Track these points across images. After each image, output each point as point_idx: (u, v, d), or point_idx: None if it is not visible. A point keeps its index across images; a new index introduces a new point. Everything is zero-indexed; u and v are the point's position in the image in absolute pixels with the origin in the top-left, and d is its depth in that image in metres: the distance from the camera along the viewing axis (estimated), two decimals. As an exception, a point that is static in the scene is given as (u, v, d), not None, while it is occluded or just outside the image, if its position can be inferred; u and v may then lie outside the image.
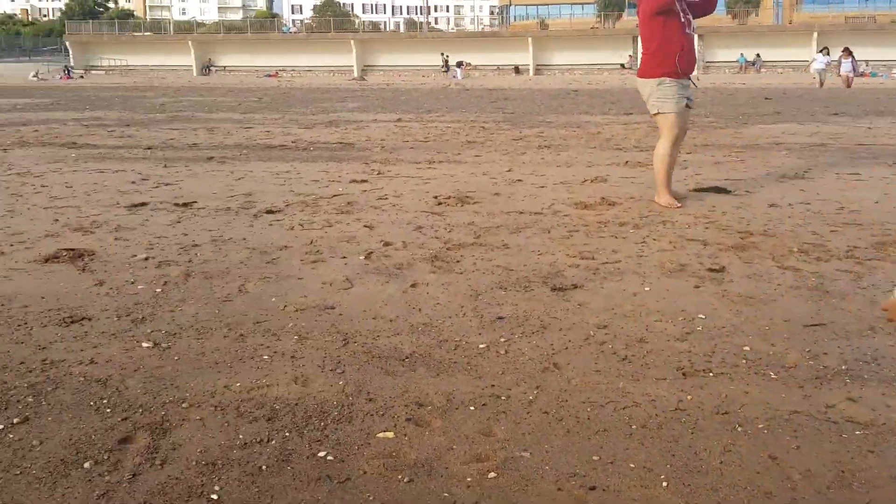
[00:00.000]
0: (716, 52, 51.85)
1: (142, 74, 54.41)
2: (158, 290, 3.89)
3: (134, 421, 2.50)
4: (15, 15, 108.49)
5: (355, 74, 54.39)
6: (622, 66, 53.69)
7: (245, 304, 3.67)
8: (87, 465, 2.23)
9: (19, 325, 3.38)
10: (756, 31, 56.09)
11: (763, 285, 3.93)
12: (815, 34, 50.81)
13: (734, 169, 7.99)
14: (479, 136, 11.85)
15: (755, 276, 4.10)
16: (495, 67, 55.63)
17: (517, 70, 55.12)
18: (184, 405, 2.61)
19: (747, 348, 3.09)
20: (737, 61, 52.59)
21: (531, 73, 54.77)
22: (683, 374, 2.84)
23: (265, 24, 71.07)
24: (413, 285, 3.95)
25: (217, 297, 3.78)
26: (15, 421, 2.49)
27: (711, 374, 2.84)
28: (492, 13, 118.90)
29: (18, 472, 2.19)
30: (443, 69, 54.99)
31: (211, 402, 2.64)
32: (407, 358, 3.02)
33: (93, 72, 56.75)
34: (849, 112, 16.01)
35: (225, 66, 59.10)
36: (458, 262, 4.39)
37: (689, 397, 2.65)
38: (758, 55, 52.48)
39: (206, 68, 58.49)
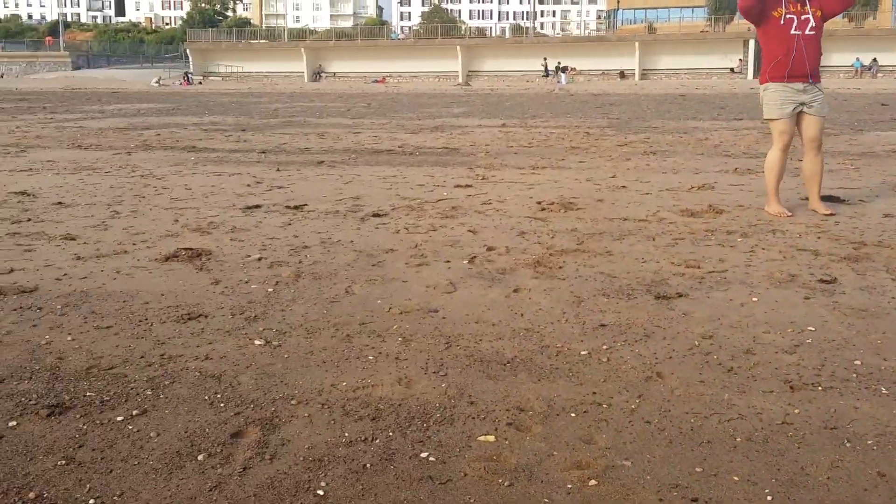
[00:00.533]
0: (830, 55, 49.84)
1: (256, 80, 56.12)
2: (270, 289, 4.03)
3: (246, 416, 2.60)
4: (139, 23, 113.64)
5: (460, 80, 54.74)
6: (731, 70, 52.38)
7: (352, 306, 3.77)
8: (200, 457, 2.34)
9: (140, 321, 3.56)
10: (874, 35, 53.78)
11: (876, 298, 3.79)
12: (940, 37, 48.43)
13: (848, 177, 7.71)
14: (584, 141, 11.77)
15: (868, 288, 3.96)
16: (600, 72, 55.09)
17: (622, 75, 54.43)
18: (293, 402, 2.71)
19: (858, 362, 3.00)
20: (852, 66, 50.56)
21: (637, 77, 53.96)
22: (791, 388, 2.77)
23: (374, 31, 72.19)
24: (515, 290, 3.98)
25: (325, 297, 3.90)
26: (134, 413, 2.63)
27: (820, 388, 2.77)
28: (598, 17, 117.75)
29: (136, 463, 2.31)
30: (543, 74, 54.79)
31: (318, 399, 2.73)
32: (508, 363, 3.04)
33: (210, 78, 58.87)
34: (978, 117, 15.20)
35: (335, 73, 60.41)
36: (560, 268, 4.39)
37: (796, 411, 2.59)
38: (874, 60, 50.34)
39: (316, 74, 59.91)
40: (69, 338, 3.34)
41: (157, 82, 52.07)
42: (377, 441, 2.42)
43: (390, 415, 2.60)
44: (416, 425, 2.52)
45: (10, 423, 2.54)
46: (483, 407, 2.65)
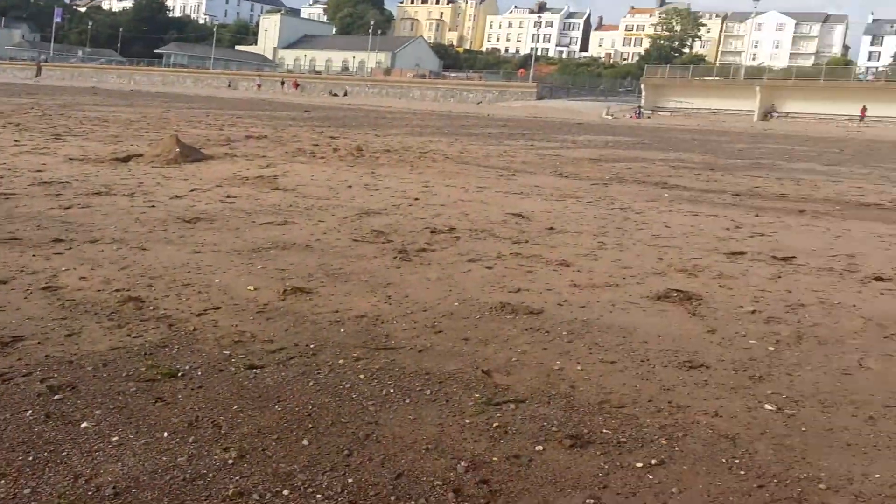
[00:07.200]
0: None
1: (703, 117, 55.01)
2: (771, 348, 3.78)
3: (770, 492, 2.40)
4: (599, 58, 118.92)
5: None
6: None
7: (868, 382, 3.38)
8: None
9: (642, 361, 3.52)
10: None
11: None
12: None
13: None
14: None
15: None
16: None
17: None
18: (820, 486, 2.45)
19: None
20: None
21: None
22: None
23: (838, 72, 66.60)
24: None
25: (835, 367, 3.55)
26: (652, 462, 2.56)
27: None
28: None
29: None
30: None
31: (849, 489, 2.43)
32: None
33: (659, 113, 59.07)
34: None
35: (787, 113, 56.92)
36: None
37: None
38: None
39: (768, 114, 57.13)
40: (578, 367, 3.40)
41: (608, 114, 53.55)
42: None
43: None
44: None
45: (537, 448, 2.61)
46: None
